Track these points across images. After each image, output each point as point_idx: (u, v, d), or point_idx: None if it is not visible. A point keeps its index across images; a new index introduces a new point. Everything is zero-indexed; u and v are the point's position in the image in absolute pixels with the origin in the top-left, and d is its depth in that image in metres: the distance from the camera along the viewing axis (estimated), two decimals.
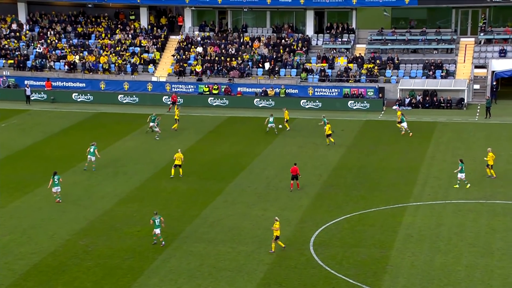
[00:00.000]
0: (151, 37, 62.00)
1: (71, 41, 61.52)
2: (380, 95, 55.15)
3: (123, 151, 42.50)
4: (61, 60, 59.55)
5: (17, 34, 61.84)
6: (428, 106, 54.27)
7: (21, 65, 58.89)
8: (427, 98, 54.63)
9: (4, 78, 57.29)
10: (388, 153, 41.88)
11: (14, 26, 62.65)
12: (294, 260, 27.38)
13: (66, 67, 59.03)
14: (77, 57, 59.71)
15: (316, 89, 56.13)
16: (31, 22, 63.34)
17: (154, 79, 58.70)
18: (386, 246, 28.47)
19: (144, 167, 39.22)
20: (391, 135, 46.24)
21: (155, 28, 62.83)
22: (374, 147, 43.34)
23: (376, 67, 57.12)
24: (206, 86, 57.06)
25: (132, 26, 63.21)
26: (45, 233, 29.82)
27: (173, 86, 57.48)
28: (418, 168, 38.42)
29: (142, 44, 61.11)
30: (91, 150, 37.80)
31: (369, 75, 56.85)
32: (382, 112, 53.33)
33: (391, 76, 56.74)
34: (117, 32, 62.47)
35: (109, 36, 62.03)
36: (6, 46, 60.34)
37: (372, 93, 55.26)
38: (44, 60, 59.37)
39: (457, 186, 35.27)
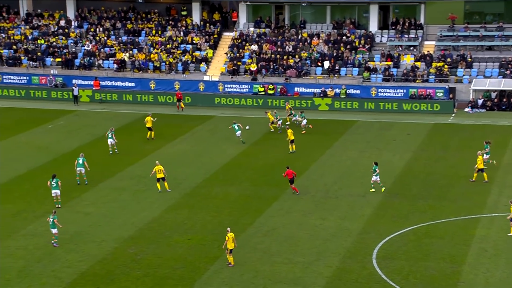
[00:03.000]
0: (203, 33, 62.68)
1: (120, 38, 62.76)
2: (451, 96, 54.23)
3: (173, 155, 43.09)
4: (110, 58, 60.80)
5: (66, 31, 63.49)
6: (504, 109, 53.07)
7: (69, 63, 60.39)
8: (504, 100, 53.42)
9: (51, 77, 58.85)
10: (458, 159, 41.14)
11: (62, 23, 64.34)
12: (355, 274, 27.21)
13: (115, 65, 60.23)
14: (127, 55, 60.86)
15: (379, 90, 55.62)
16: (79, 19, 64.93)
17: (206, 78, 59.30)
18: (457, 260, 27.98)
19: (195, 172, 39.67)
20: (461, 140, 45.41)
21: (207, 24, 63.48)
22: (443, 153, 42.63)
23: (446, 66, 56.20)
24: (261, 86, 57.31)
25: (184, 22, 64.05)
26: (93, 240, 30.51)
27: (226, 86, 57.96)
28: (492, 176, 37.61)
29: (194, 41, 61.83)
30: (80, 161, 37.42)
31: (438, 74, 55.98)
32: (453, 115, 52.43)
33: (463, 75, 55.72)
34: (168, 28, 63.42)
35: (159, 33, 63.04)
36: (54, 43, 62.02)
37: (441, 94, 54.40)
38: (92, 58, 60.74)
39: None
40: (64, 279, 26.86)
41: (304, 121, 47.52)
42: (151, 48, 61.41)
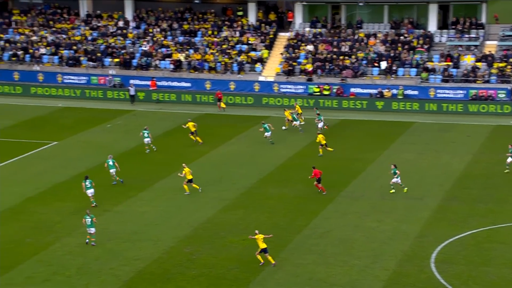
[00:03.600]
0: (259, 34, 62.87)
1: (176, 39, 63.51)
2: None
3: (227, 155, 43.37)
4: (166, 59, 61.59)
5: (124, 31, 64.60)
6: None
7: (127, 63, 61.44)
8: None
9: (110, 77, 59.97)
10: None
11: (120, 24, 65.49)
12: (413, 278, 26.88)
13: (172, 65, 60.98)
14: (183, 55, 61.54)
15: (438, 91, 54.77)
16: (137, 19, 65.98)
17: (261, 78, 59.47)
18: None
19: (249, 172, 39.83)
20: None
21: (263, 25, 63.66)
22: (505, 155, 41.69)
23: (509, 66, 54.90)
24: (317, 86, 57.14)
25: (240, 22, 64.38)
26: (149, 239, 30.97)
27: (281, 86, 58.01)
28: None
29: (249, 42, 62.09)
30: (110, 163, 37.76)
31: (500, 75, 54.74)
32: None
33: None
34: (224, 29, 63.85)
35: (215, 33, 63.52)
36: (113, 44, 63.17)
37: (503, 95, 53.21)
38: (149, 58, 61.64)
39: None
40: (121, 277, 27.34)
41: (321, 124, 46.75)
42: (207, 49, 61.93)
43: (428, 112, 53.47)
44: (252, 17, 64.24)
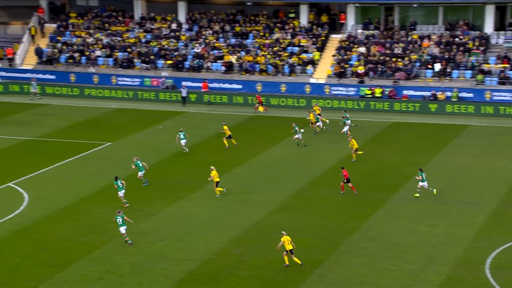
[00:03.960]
0: (310, 36, 62.70)
1: (228, 41, 63.84)
2: None
3: (278, 157, 43.34)
4: (218, 61, 61.97)
5: (177, 34, 65.28)
6: None
7: (179, 65, 62.06)
8: None
9: (163, 79, 60.69)
10: None
11: (173, 26, 66.21)
12: (467, 283, 26.39)
13: (223, 67, 61.32)
14: (234, 57, 61.82)
15: (494, 93, 53.63)
16: (190, 22, 66.59)
17: (312, 80, 59.29)
18: None
19: (300, 175, 39.72)
20: None
21: (315, 27, 63.47)
22: None
23: None
24: (369, 88, 56.65)
25: (291, 24, 64.33)
26: (200, 239, 31.18)
27: (332, 88, 57.73)
28: None
29: (301, 44, 61.98)
30: (139, 164, 37.84)
31: None
32: None
33: None
34: (275, 31, 63.89)
35: (267, 35, 63.61)
36: (166, 46, 63.90)
37: None
38: (201, 60, 62.13)
39: None
40: (173, 277, 27.60)
41: (346, 128, 46.14)
42: (259, 51, 62.07)
43: (483, 115, 52.41)
44: (304, 19, 64.10)
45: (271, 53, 61.58)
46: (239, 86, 59.81)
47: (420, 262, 28.21)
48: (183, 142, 43.59)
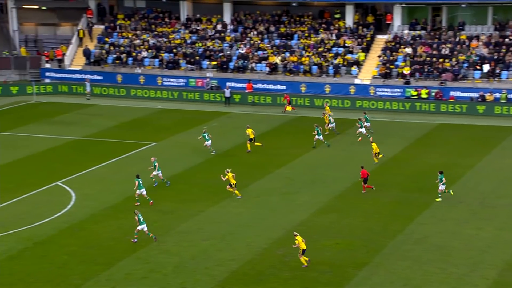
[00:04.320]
0: (356, 36, 62.32)
1: (273, 42, 63.89)
2: None
3: (322, 158, 43.18)
4: (262, 61, 62.07)
5: (222, 34, 65.62)
6: None
7: (224, 66, 62.37)
8: None
9: (208, 80, 61.07)
10: None
11: (219, 27, 66.58)
12: None
13: (267, 68, 61.39)
14: (279, 58, 61.84)
15: None
16: (235, 23, 66.85)
17: (357, 81, 58.90)
18: None
19: (344, 176, 39.51)
20: None
21: (360, 27, 63.04)
22: None
23: None
24: (415, 89, 55.99)
25: (337, 25, 64.03)
26: (243, 240, 31.28)
27: (377, 89, 57.26)
28: None
29: (346, 44, 61.65)
30: (156, 164, 37.94)
31: None
32: None
33: None
34: (320, 31, 63.68)
35: (312, 36, 63.47)
36: (211, 47, 64.30)
37: None
38: (246, 61, 62.33)
39: None
40: (216, 277, 27.75)
41: (363, 129, 45.64)
42: (303, 51, 61.94)
43: None
44: (349, 20, 63.73)
45: (315, 53, 61.39)
46: (283, 87, 59.76)
47: (466, 266, 27.78)
48: (208, 143, 43.61)
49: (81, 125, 51.86)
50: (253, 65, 61.96)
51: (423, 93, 55.51)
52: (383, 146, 44.86)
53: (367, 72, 59.61)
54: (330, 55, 61.04)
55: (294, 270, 28.14)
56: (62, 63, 65.29)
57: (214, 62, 62.65)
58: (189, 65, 62.90)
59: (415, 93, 55.80)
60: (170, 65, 63.25)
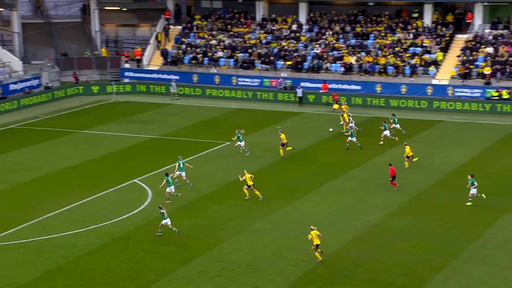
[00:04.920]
0: (434, 36, 61.06)
1: (348, 42, 63.35)
2: None
3: (397, 159, 42.45)
4: (337, 61, 61.65)
5: (297, 34, 65.57)
6: None
7: (298, 66, 62.28)
8: None
9: (281, 80, 61.13)
10: None
11: (294, 27, 66.54)
12: None
13: (342, 68, 60.93)
14: (354, 58, 61.27)
15: None
16: (310, 23, 66.64)
17: (434, 82, 57.70)
18: None
19: (420, 177, 38.80)
20: None
21: (439, 26, 61.73)
22: None
23: None
24: (496, 90, 54.38)
25: (414, 24, 62.93)
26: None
27: (455, 90, 55.94)
28: None
29: (424, 44, 60.49)
30: (180, 165, 38.01)
31: None
32: None
33: None
34: (397, 31, 62.72)
35: (388, 35, 62.59)
36: (286, 47, 64.34)
37: None
38: (320, 61, 62.05)
39: None
40: (289, 277, 27.72)
41: (387, 132, 44.56)
42: (379, 51, 61.16)
43: None
44: (427, 19, 62.51)
45: (392, 53, 60.49)
46: (358, 87, 59.15)
47: None
48: (242, 143, 43.41)
49: (157, 124, 52.85)
50: (328, 65, 61.61)
51: (505, 93, 53.85)
52: (462, 148, 43.82)
53: (445, 72, 58.30)
54: (407, 55, 60.03)
55: (368, 272, 27.80)
56: (140, 63, 66.72)
57: (289, 62, 62.64)
58: (263, 65, 63.12)
59: (496, 93, 54.20)
60: (245, 65, 63.64)
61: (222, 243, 31.10)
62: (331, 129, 48.34)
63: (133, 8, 72.71)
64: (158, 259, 29.71)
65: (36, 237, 31.87)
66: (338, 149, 44.64)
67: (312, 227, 28.95)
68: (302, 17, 66.90)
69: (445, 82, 57.20)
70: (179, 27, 69.31)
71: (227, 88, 61.80)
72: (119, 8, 72.68)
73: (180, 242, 31.44)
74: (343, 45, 62.93)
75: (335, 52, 62.29)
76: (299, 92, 58.18)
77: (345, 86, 59.51)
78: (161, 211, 31.78)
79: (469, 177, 34.78)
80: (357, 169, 40.73)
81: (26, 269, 28.67)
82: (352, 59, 61.20)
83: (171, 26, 68.95)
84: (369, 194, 36.72)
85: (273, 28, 66.97)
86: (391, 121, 46.28)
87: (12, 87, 60.01)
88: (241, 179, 36.22)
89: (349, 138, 44.04)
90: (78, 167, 42.40)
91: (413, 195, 36.31)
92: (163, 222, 31.69)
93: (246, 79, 62.53)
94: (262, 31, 66.85)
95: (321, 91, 59.04)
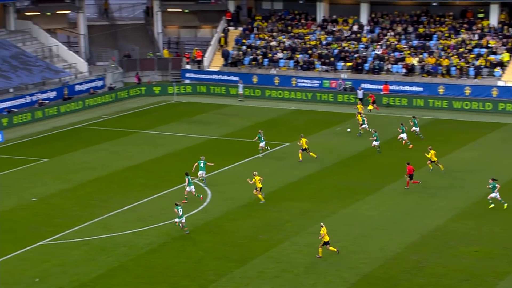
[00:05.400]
0: (500, 37, 59.59)
1: (410, 43, 62.46)
2: None
3: (461, 162, 41.65)
4: (398, 63, 60.85)
5: (358, 35, 65.03)
6: None
7: (359, 67, 61.76)
8: None
9: (341, 81, 60.74)
10: None
11: (355, 28, 66.02)
12: None
13: (404, 69, 60.10)
14: (416, 59, 60.36)
15: None
16: (372, 23, 66.00)
17: (500, 83, 56.31)
18: None
19: (484, 181, 37.77)
20: None
21: (506, 27, 60.21)
22: None
23: None
24: None
25: (480, 25, 61.56)
26: (376, 243, 30.79)
27: None
28: None
29: (489, 45, 59.11)
30: (201, 165, 38.02)
31: None
32: None
33: None
34: (461, 31, 61.49)
35: (452, 36, 61.42)
36: (346, 48, 63.89)
37: None
38: (381, 62, 61.37)
39: None
40: (348, 279, 27.51)
41: (404, 135, 43.64)
42: (442, 52, 60.07)
43: None
44: (493, 19, 61.08)
45: (455, 54, 59.33)
46: (420, 89, 58.25)
47: None
48: (262, 144, 43.70)
49: (217, 125, 53.24)
50: (389, 66, 60.86)
51: None
52: None
53: None
54: (472, 56, 58.78)
55: (429, 277, 27.33)
56: (201, 64, 67.38)
57: (349, 63, 62.17)
58: (323, 66, 62.84)
59: None
60: (305, 66, 63.49)
61: (281, 244, 31.09)
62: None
63: (194, 10, 73.51)
64: (217, 259, 29.91)
65: (99, 235, 32.54)
66: (398, 152, 44.04)
67: (322, 224, 29.25)
68: (364, 18, 66.29)
69: None
70: (240, 29, 69.69)
71: (287, 89, 61.76)
72: (181, 10, 73.59)
73: (238, 242, 31.58)
74: (405, 46, 62.08)
75: (396, 53, 61.51)
76: (360, 94, 57.69)
77: (407, 88, 58.70)
78: (177, 208, 32.06)
79: (490, 181, 33.86)
80: (418, 172, 40.01)
81: (89, 267, 29.30)
82: (414, 60, 60.30)
83: (231, 28, 69.39)
84: (430, 198, 36.11)
85: (334, 29, 66.60)
86: (411, 123, 45.44)
87: (78, 87, 61.50)
88: (250, 182, 36.08)
89: (374, 142, 43.50)
90: (140, 166, 43.10)
91: (476, 198, 35.53)
92: (177, 220, 32.19)
93: (305, 80, 62.37)
94: (322, 32, 66.58)
95: (382, 93, 58.37)
